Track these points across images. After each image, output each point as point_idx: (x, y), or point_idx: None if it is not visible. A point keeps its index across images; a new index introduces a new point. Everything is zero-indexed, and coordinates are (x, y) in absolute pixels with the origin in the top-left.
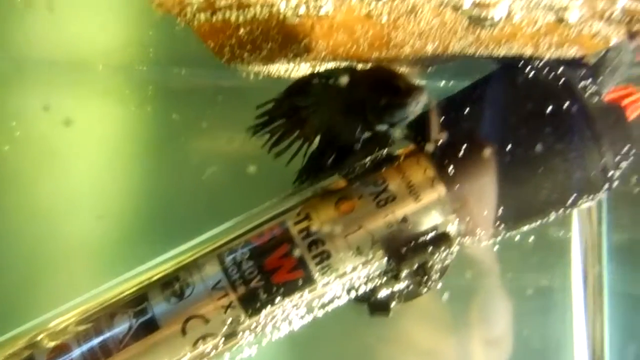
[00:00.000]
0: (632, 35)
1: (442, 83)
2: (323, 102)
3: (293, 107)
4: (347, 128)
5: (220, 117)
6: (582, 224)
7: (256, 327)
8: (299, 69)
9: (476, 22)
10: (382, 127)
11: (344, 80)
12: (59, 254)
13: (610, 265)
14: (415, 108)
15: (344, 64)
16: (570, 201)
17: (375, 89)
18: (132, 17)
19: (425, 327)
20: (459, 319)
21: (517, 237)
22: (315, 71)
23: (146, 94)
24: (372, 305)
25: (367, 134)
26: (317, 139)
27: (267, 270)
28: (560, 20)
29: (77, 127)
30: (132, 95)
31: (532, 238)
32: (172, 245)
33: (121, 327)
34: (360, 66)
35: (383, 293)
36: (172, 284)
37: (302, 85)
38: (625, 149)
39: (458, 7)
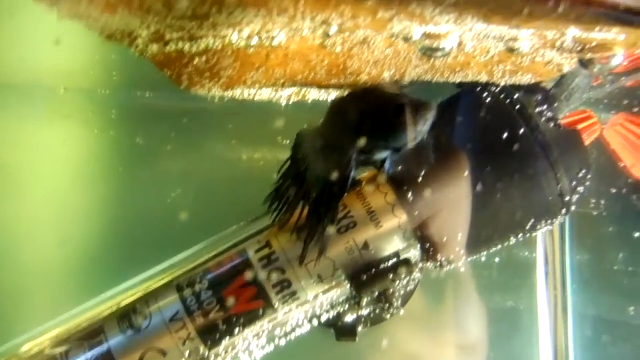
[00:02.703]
0: (584, 64)
1: None
2: (312, 153)
3: (294, 175)
4: (339, 166)
5: (185, 140)
6: (546, 244)
7: (216, 358)
8: (262, 93)
9: (428, 52)
10: (381, 156)
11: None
12: (18, 282)
13: (574, 285)
14: (424, 128)
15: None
16: (529, 226)
17: (372, 112)
18: (94, 41)
19: (408, 331)
20: (434, 324)
21: (483, 258)
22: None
23: (110, 117)
24: (339, 330)
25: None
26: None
27: (226, 301)
28: (511, 50)
29: (39, 151)
30: (96, 119)
31: (497, 259)
32: (136, 272)
33: None
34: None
35: (349, 318)
36: (128, 315)
37: (294, 155)
38: (582, 173)
39: (409, 38)
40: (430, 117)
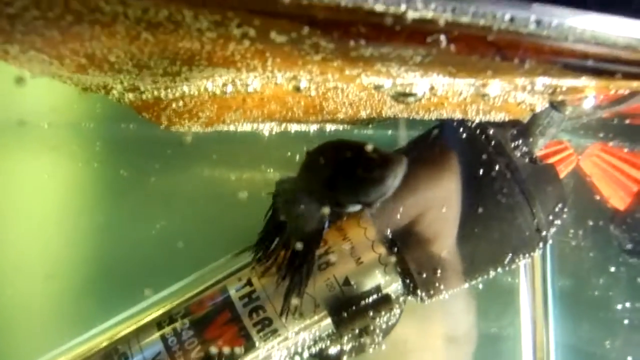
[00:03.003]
0: (555, 107)
1: (390, 132)
2: (288, 204)
3: (275, 224)
4: (312, 220)
5: (169, 170)
6: (527, 270)
7: None
8: (244, 126)
9: (401, 97)
10: (354, 209)
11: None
12: (3, 316)
13: (556, 311)
14: (394, 182)
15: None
16: (507, 260)
17: (342, 166)
18: None
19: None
20: (422, 315)
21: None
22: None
23: (94, 149)
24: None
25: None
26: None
27: (207, 340)
28: (482, 94)
29: (24, 185)
30: (80, 152)
31: (480, 286)
32: (122, 305)
33: None
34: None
35: (333, 350)
36: (111, 356)
37: (274, 204)
38: (558, 207)
39: (379, 86)
40: (400, 171)
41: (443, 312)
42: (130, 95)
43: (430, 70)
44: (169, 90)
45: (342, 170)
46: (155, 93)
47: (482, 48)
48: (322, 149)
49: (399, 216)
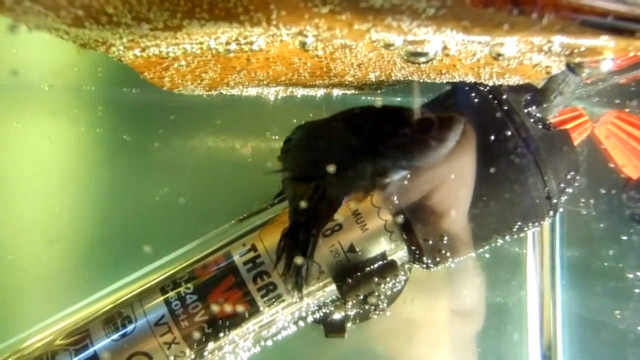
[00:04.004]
0: (572, 68)
1: (398, 99)
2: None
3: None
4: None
5: (173, 136)
6: (535, 240)
7: None
8: (248, 90)
9: (412, 57)
10: (395, 176)
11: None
12: (5, 281)
13: (563, 281)
14: (452, 144)
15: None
16: (516, 228)
17: (394, 128)
18: None
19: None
20: (429, 289)
21: (473, 254)
22: None
23: (96, 114)
24: (328, 326)
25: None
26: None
27: (211, 304)
28: (497, 54)
29: (25, 150)
30: (82, 116)
31: (487, 255)
32: (125, 271)
33: None
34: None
35: (337, 315)
36: (114, 319)
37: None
38: (570, 175)
39: (390, 44)
40: (460, 131)
41: (451, 286)
42: (131, 53)
43: (444, 26)
44: (171, 49)
45: (393, 132)
46: (157, 51)
47: (499, 0)
48: (362, 112)
49: (410, 191)
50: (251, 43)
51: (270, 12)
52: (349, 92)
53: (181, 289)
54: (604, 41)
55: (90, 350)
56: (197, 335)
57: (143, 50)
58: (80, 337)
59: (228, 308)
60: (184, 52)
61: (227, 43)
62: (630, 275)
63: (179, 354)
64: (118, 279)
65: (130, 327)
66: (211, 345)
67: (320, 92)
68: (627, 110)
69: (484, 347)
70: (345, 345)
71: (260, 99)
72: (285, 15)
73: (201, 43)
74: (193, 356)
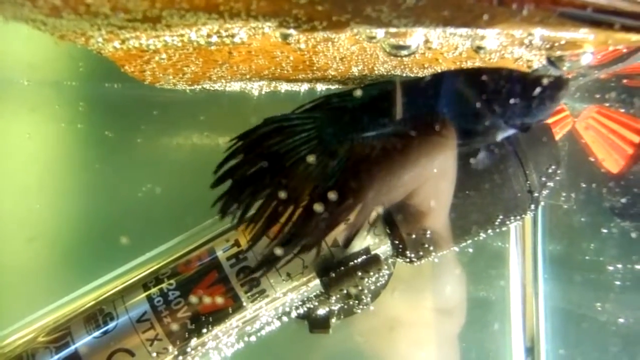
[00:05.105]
0: (552, 62)
1: None
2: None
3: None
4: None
5: (155, 132)
6: (517, 234)
7: (185, 357)
8: (232, 85)
9: (394, 50)
10: (495, 137)
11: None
12: None
13: (546, 275)
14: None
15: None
16: (497, 222)
17: (511, 86)
18: None
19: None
20: (411, 287)
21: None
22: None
23: (77, 110)
24: (312, 322)
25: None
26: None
27: (194, 300)
28: (479, 47)
29: (3, 147)
30: (62, 112)
31: (470, 249)
32: (106, 268)
33: None
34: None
35: (321, 311)
36: (95, 316)
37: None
38: (551, 169)
39: (372, 37)
40: (566, 93)
41: (434, 285)
42: (111, 45)
43: (424, 16)
44: (151, 41)
45: (509, 89)
46: (137, 43)
47: None
48: (471, 72)
49: (391, 191)
50: (233, 35)
51: (249, 2)
52: (332, 87)
53: (164, 285)
54: (584, 34)
55: (72, 348)
56: (180, 331)
57: (123, 42)
58: (61, 334)
59: (211, 303)
60: (164, 44)
61: (209, 35)
62: (611, 268)
63: (162, 351)
64: (99, 276)
65: (112, 324)
66: (194, 341)
67: (304, 87)
68: (607, 105)
69: (468, 340)
70: (330, 342)
71: (244, 94)
72: (264, 6)
73: (182, 35)
74: (176, 352)
